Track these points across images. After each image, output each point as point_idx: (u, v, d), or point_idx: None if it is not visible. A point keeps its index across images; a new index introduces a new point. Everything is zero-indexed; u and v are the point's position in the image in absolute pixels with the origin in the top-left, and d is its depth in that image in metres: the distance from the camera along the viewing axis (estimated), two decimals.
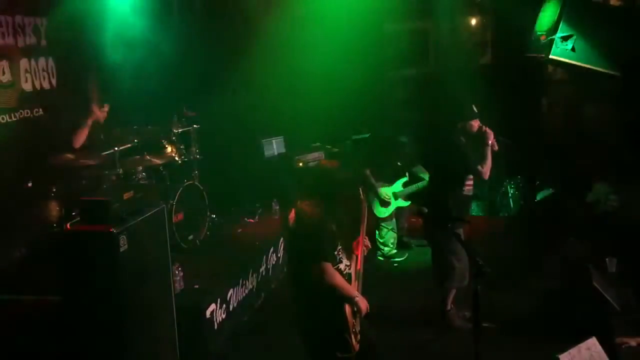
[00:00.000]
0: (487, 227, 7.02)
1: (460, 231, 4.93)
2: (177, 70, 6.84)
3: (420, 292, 5.68)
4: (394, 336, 5.05)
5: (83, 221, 3.80)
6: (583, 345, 3.88)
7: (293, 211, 3.39)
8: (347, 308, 3.34)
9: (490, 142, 4.88)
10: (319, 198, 3.33)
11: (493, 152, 4.89)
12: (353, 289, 3.42)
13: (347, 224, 3.51)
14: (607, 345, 4.06)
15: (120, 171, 5.50)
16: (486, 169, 4.85)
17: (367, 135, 7.82)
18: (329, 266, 3.25)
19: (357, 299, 3.37)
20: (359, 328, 3.42)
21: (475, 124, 4.90)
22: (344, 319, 3.31)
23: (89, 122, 5.51)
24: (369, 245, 3.70)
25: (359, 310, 3.38)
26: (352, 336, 3.33)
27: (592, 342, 3.93)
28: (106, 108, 5.71)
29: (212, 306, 4.82)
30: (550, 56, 6.25)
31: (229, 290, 5.11)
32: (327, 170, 3.51)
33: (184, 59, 7.03)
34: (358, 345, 3.35)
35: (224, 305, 5.01)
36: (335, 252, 3.38)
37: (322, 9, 7.70)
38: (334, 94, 7.92)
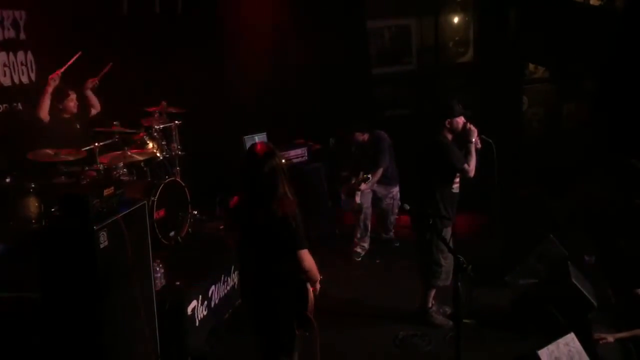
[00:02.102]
0: (467, 224, 7.08)
1: (449, 229, 4.97)
2: (159, 65, 6.79)
3: (401, 289, 5.72)
4: (375, 333, 5.09)
5: (62, 217, 3.76)
6: (562, 341, 3.95)
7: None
8: (311, 290, 3.67)
9: (474, 139, 4.90)
10: (289, 194, 3.54)
11: (476, 149, 4.93)
12: (319, 274, 3.71)
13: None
14: (585, 340, 4.14)
15: (101, 167, 5.45)
16: (472, 167, 4.88)
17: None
18: (307, 252, 3.53)
19: (318, 282, 3.71)
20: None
21: (461, 121, 4.92)
22: (308, 299, 3.64)
23: (48, 89, 5.47)
24: None
25: (316, 290, 3.74)
26: (312, 315, 3.66)
27: (571, 338, 4.00)
28: (73, 96, 5.67)
29: (194, 303, 4.80)
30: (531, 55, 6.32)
31: (210, 287, 5.09)
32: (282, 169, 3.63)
33: (166, 53, 6.99)
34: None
35: (205, 302, 4.99)
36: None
37: (305, 5, 7.69)
38: (316, 91, 7.93)
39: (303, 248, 3.50)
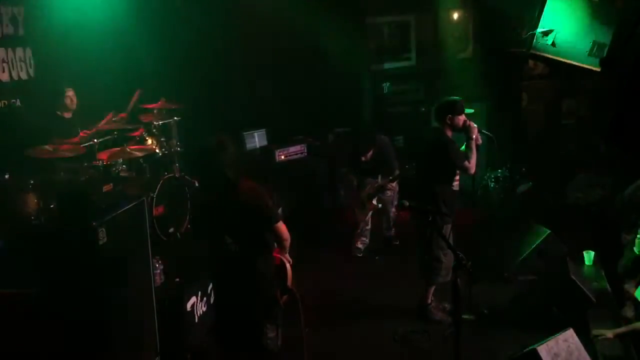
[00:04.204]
0: (467, 220, 7.08)
1: (449, 226, 4.96)
2: (157, 61, 6.77)
3: (401, 285, 5.72)
4: (375, 328, 5.09)
5: (61, 214, 3.76)
6: (560, 337, 3.95)
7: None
8: (288, 265, 3.89)
9: (474, 136, 4.90)
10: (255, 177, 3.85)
11: (476, 146, 4.92)
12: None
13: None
14: (584, 336, 4.14)
15: (100, 163, 5.44)
16: (472, 164, 4.87)
17: (349, 129, 7.83)
18: (282, 224, 3.79)
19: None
20: None
21: (462, 118, 4.91)
22: (285, 269, 3.87)
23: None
24: None
25: (288, 260, 3.95)
26: (294, 287, 3.90)
27: (570, 334, 3.99)
28: (70, 92, 5.67)
29: (193, 299, 4.80)
30: (531, 51, 6.32)
31: (209, 283, 5.09)
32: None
33: (165, 50, 6.97)
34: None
35: (205, 298, 4.99)
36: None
37: (305, 1, 7.68)
38: (316, 87, 7.92)
39: (277, 221, 3.75)
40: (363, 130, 6.92)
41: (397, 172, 6.44)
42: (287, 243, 3.86)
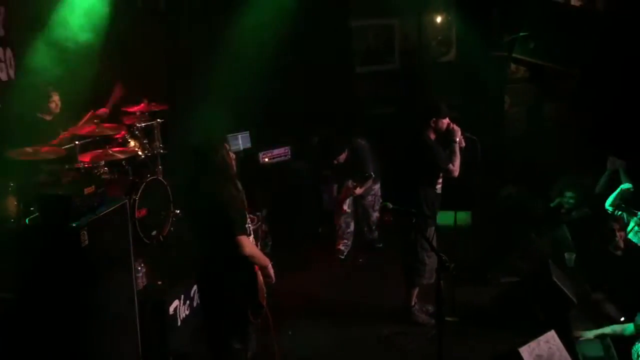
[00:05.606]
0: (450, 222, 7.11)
1: (432, 228, 4.98)
2: (140, 62, 6.73)
3: (385, 288, 5.74)
4: (359, 331, 5.10)
5: (42, 216, 3.72)
6: (542, 339, 3.99)
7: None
8: (260, 275, 3.73)
9: (458, 139, 4.93)
10: (223, 178, 3.65)
11: (460, 148, 4.95)
12: (267, 259, 3.77)
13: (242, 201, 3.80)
14: (565, 338, 4.18)
15: (82, 165, 5.39)
16: (456, 167, 4.90)
17: (334, 131, 7.82)
18: (245, 238, 3.60)
19: (269, 267, 3.77)
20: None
21: (446, 121, 4.94)
22: (257, 284, 3.71)
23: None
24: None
25: (270, 276, 3.78)
26: (264, 300, 3.76)
27: (551, 335, 4.04)
28: (56, 97, 5.61)
29: (176, 302, 4.77)
30: (513, 55, 6.38)
31: (192, 286, 5.06)
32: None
33: (150, 50, 6.93)
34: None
35: (188, 302, 4.96)
36: (246, 225, 3.70)
37: (289, 4, 7.68)
38: (300, 89, 7.91)
39: (238, 233, 3.53)
40: (338, 134, 6.94)
41: (368, 177, 6.45)
42: (257, 261, 3.68)
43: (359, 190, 6.51)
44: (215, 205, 3.56)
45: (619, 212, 5.45)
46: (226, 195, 3.57)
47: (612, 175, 6.26)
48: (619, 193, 5.54)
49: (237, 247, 3.54)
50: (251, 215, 4.06)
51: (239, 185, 3.84)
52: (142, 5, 7.29)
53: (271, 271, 3.79)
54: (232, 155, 3.77)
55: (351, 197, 6.65)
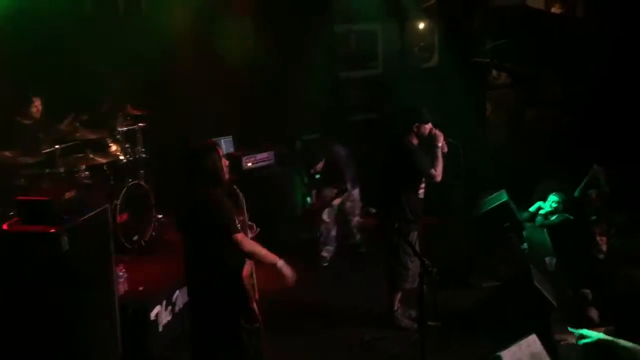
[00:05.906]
0: (431, 226, 7.14)
1: (415, 233, 5.00)
2: (122, 67, 6.69)
3: (367, 293, 5.74)
4: (342, 336, 5.09)
5: (22, 221, 3.67)
6: (524, 342, 4.00)
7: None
8: (247, 279, 3.63)
9: (440, 144, 4.95)
10: (212, 183, 3.60)
11: (443, 154, 4.98)
12: (275, 256, 3.69)
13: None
14: (547, 341, 4.21)
15: (62, 170, 5.33)
16: (439, 172, 4.92)
17: (317, 136, 7.83)
18: (243, 236, 3.55)
19: (279, 263, 3.67)
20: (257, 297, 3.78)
21: (428, 126, 4.96)
22: (246, 289, 3.61)
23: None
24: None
25: (285, 275, 3.67)
26: (256, 306, 3.67)
27: (532, 339, 4.06)
28: (38, 102, 5.56)
29: (157, 308, 4.73)
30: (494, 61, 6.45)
31: (174, 292, 5.03)
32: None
33: (131, 55, 6.88)
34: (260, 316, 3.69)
35: (169, 307, 4.93)
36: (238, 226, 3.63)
37: (272, 8, 7.69)
38: (284, 94, 7.91)
39: (235, 232, 3.50)
40: (320, 139, 6.95)
41: (345, 187, 6.46)
42: (261, 258, 3.64)
43: (336, 202, 6.53)
44: (204, 209, 3.54)
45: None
46: (214, 200, 3.55)
47: (590, 180, 6.36)
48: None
49: (237, 246, 3.51)
50: (250, 223, 4.00)
51: (237, 190, 3.85)
52: (125, 7, 7.26)
53: (285, 269, 3.69)
54: (225, 162, 3.73)
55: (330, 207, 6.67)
